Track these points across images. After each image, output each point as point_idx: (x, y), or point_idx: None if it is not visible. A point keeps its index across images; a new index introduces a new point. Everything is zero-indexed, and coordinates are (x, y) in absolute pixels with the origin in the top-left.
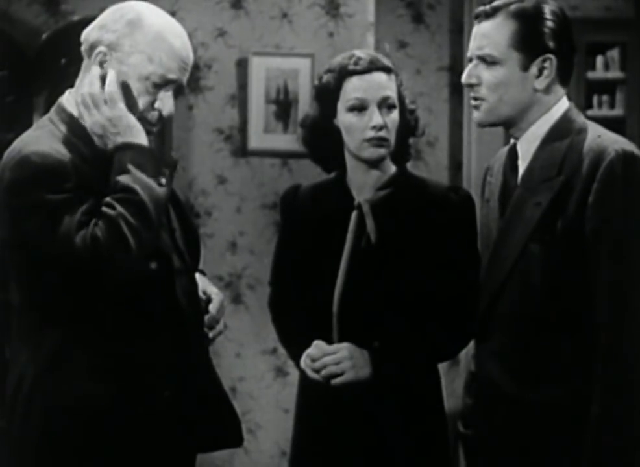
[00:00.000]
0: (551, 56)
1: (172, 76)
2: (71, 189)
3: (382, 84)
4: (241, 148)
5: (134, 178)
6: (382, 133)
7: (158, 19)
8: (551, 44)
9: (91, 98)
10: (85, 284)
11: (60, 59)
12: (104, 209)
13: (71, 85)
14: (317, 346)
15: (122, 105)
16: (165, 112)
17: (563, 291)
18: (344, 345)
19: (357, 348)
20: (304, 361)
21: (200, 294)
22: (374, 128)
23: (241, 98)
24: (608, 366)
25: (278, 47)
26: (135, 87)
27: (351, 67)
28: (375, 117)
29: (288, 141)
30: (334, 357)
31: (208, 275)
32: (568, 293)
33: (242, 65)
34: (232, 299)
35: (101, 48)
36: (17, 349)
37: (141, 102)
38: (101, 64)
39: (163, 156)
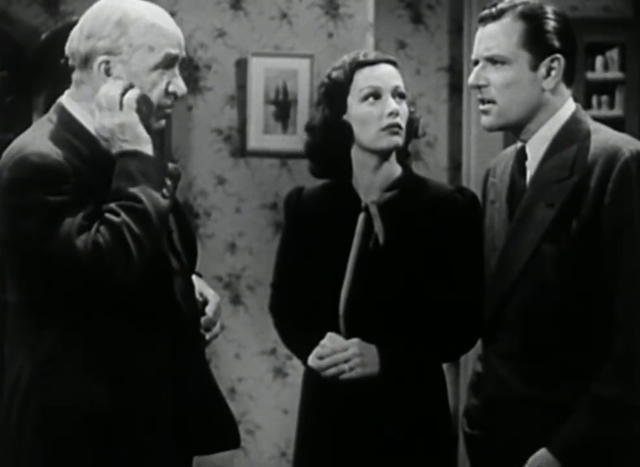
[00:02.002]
0: (559, 55)
1: (174, 51)
2: (70, 191)
3: (392, 74)
4: (240, 149)
5: (139, 187)
6: (398, 120)
7: (140, 8)
8: (557, 44)
9: (107, 100)
10: (83, 285)
11: (60, 59)
12: (108, 215)
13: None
14: (330, 338)
15: (135, 114)
16: (179, 93)
17: (577, 290)
18: (354, 341)
19: (366, 345)
20: (313, 357)
21: (197, 295)
22: (390, 114)
23: (240, 99)
24: (621, 365)
25: (278, 48)
26: (148, 80)
27: (361, 59)
28: (390, 103)
29: (287, 141)
30: (344, 355)
31: (207, 276)
32: (582, 292)
33: (241, 66)
34: (231, 300)
35: (101, 57)
36: (14, 348)
37: (157, 93)
38: (107, 72)
39: (167, 167)
